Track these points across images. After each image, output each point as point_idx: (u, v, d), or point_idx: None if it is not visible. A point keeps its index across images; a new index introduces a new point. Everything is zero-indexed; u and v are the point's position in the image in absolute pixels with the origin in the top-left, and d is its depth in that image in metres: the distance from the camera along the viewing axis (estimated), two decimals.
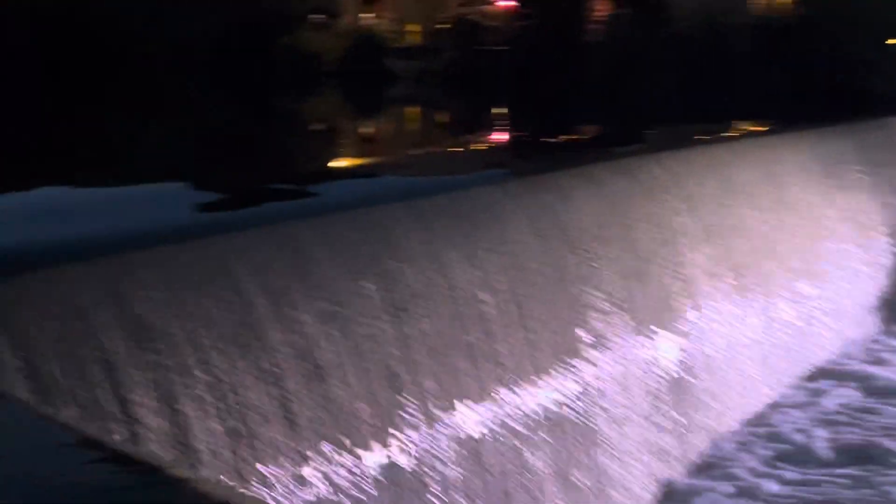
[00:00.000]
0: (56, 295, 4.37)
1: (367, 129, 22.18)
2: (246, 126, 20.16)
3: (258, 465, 4.62)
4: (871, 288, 14.19)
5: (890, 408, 10.51)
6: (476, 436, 6.09)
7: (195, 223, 5.91)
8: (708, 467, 8.98)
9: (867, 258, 14.39)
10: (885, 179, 15.66)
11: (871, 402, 10.66)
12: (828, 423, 10.12)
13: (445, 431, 5.79)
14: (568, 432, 7.14)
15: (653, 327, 8.98)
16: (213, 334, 4.61)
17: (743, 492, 8.45)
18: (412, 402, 5.51)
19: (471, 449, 6.00)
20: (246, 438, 4.57)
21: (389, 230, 5.99)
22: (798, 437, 9.56)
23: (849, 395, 10.90)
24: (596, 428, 7.55)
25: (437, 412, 5.77)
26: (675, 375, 9.24)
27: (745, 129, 16.47)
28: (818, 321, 12.61)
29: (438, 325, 5.99)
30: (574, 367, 7.26)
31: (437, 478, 5.76)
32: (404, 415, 5.52)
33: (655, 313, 9.08)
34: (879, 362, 12.23)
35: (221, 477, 4.31)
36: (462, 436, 5.95)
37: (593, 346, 7.80)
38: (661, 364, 8.97)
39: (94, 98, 27.09)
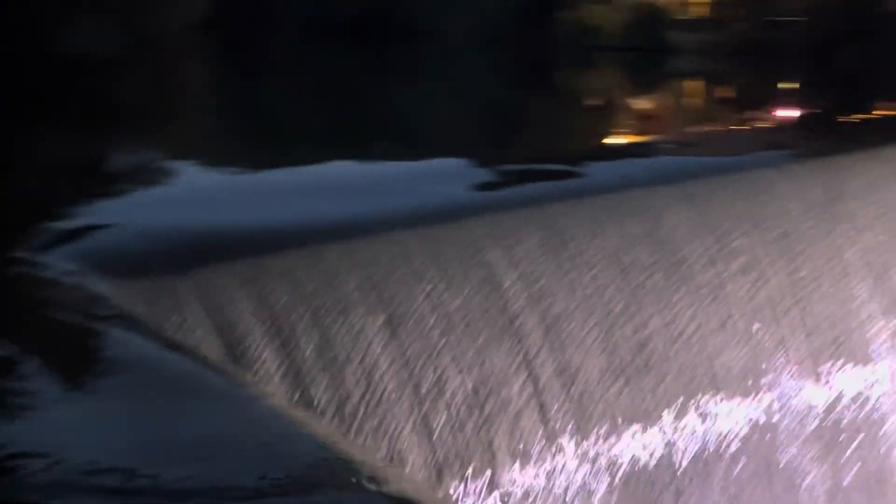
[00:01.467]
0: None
1: (645, 105, 21.63)
2: (526, 101, 20.26)
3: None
4: None
5: None
6: None
7: (461, 203, 5.95)
8: None
9: None
10: None
11: None
12: None
13: None
14: None
15: None
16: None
17: None
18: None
19: None
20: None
21: (653, 214, 5.80)
22: None
23: None
24: None
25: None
26: None
27: None
28: None
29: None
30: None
31: None
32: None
33: None
34: None
35: None
36: None
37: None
38: None
39: (383, 69, 28.25)
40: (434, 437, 4.43)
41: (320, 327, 4.28)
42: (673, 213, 5.92)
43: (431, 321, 4.55)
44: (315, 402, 4.11)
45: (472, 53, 34.02)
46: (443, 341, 4.55)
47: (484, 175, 8.05)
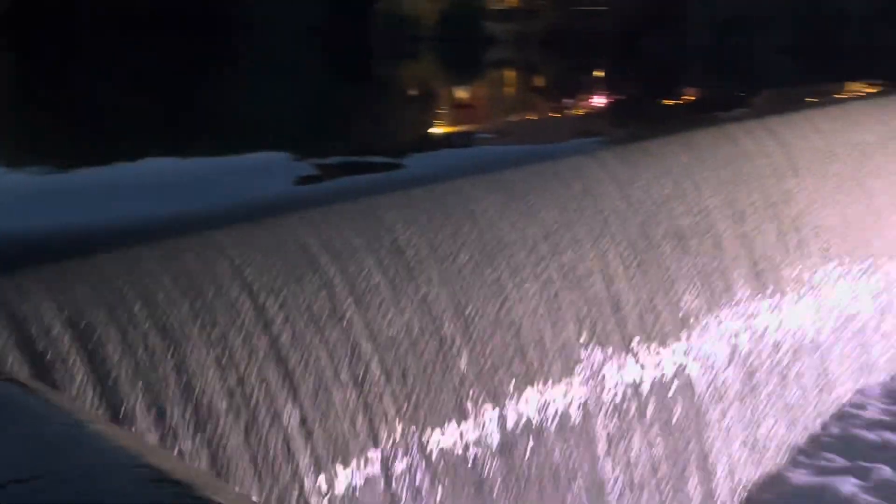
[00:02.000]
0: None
1: (463, 95, 21.97)
2: (343, 93, 20.19)
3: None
4: None
5: None
6: None
7: (279, 198, 5.85)
8: None
9: None
10: None
11: None
12: None
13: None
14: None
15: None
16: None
17: None
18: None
19: None
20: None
21: (469, 204, 5.83)
22: None
23: None
24: None
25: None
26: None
27: (857, 91, 15.78)
28: None
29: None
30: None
31: None
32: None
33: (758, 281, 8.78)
34: None
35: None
36: None
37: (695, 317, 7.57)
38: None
39: (194, 61, 27.55)
40: (259, 444, 4.34)
41: (134, 335, 4.09)
42: (489, 201, 6.02)
43: (250, 320, 4.45)
44: (132, 415, 3.94)
45: (286, 45, 33.72)
46: (264, 340, 4.45)
47: (302, 169, 7.98)
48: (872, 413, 9.51)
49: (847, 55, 26.85)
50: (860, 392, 9.97)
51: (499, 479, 5.45)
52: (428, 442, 5.07)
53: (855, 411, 9.52)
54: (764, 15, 32.51)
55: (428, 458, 5.07)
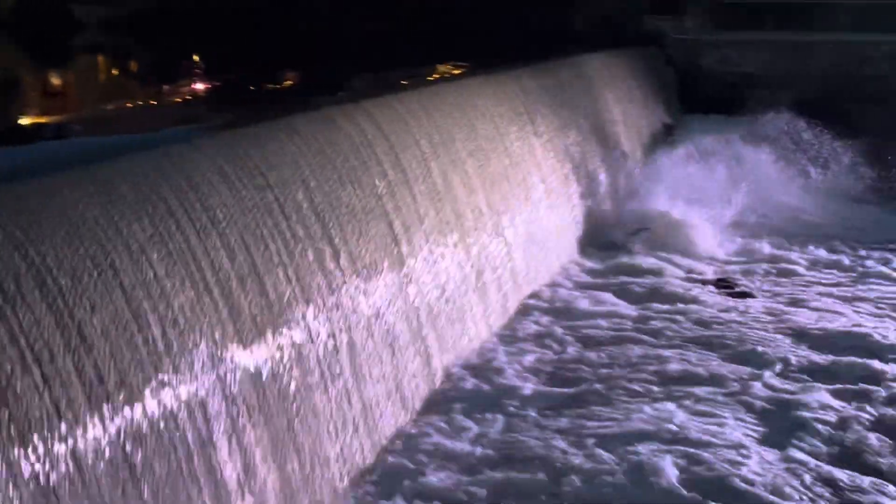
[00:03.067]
0: None
1: (54, 82, 20.77)
2: None
3: None
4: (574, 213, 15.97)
5: None
6: None
7: None
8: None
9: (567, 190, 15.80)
10: (579, 114, 17.03)
11: None
12: None
13: None
14: None
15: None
16: None
17: None
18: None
19: None
20: None
21: (59, 202, 5.52)
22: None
23: None
24: None
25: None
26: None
27: (445, 72, 17.05)
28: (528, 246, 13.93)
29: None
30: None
31: None
32: None
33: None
34: None
35: None
36: None
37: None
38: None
39: None
40: None
41: None
42: (86, 196, 5.74)
43: None
44: None
45: None
46: None
47: None
48: None
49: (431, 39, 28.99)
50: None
51: None
52: None
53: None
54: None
55: None
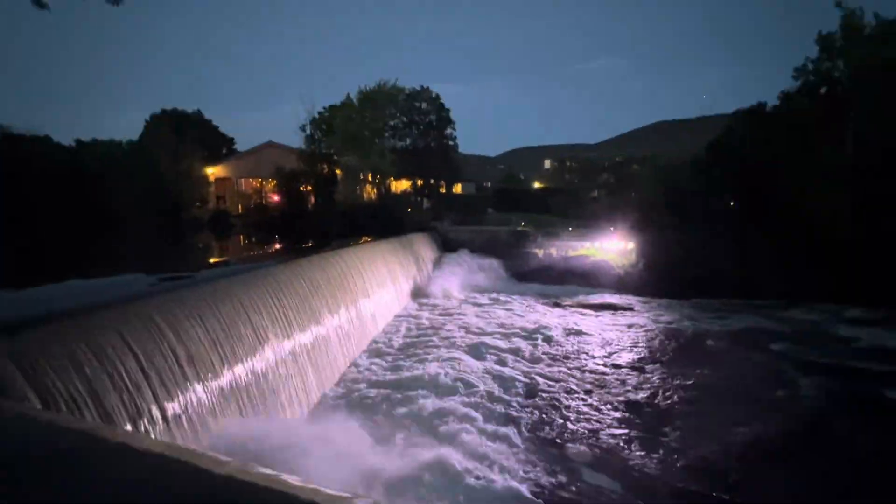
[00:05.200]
0: None
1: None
2: None
3: None
4: (408, 286, 38.38)
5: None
6: None
7: None
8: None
9: (406, 280, 38.02)
10: (410, 259, 41.50)
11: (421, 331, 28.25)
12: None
13: None
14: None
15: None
16: None
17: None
18: None
19: None
20: None
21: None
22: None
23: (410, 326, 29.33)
24: None
25: None
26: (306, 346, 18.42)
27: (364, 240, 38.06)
28: (372, 315, 27.08)
29: None
30: None
31: None
32: None
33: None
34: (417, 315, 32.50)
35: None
36: None
37: None
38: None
39: None
40: None
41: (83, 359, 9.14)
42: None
43: None
44: None
45: None
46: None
47: None
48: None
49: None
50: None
51: None
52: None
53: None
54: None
55: None
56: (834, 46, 41.32)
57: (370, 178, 59.33)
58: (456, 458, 13.44)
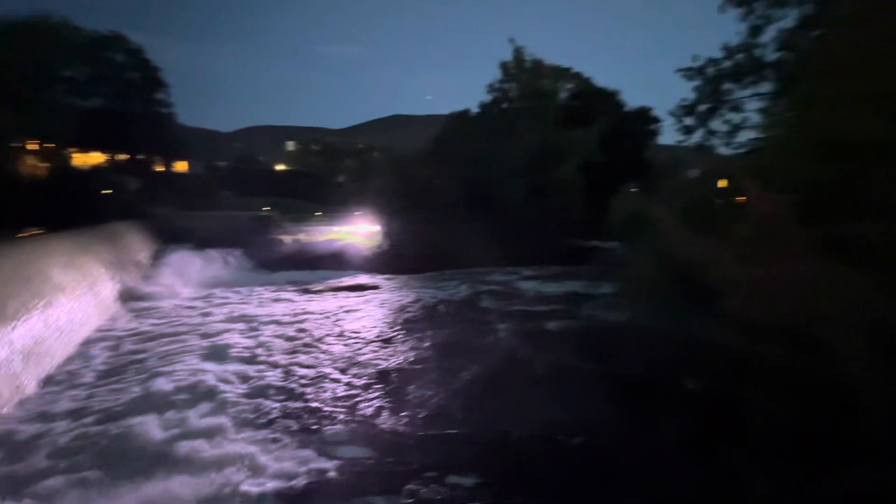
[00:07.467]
0: None
1: None
2: None
3: None
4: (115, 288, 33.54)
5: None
6: None
7: None
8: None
9: (103, 286, 32.97)
10: (115, 255, 35.62)
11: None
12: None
13: None
14: None
15: None
16: None
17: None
18: None
19: None
20: None
21: None
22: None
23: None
24: None
25: None
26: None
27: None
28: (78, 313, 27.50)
29: None
30: None
31: None
32: None
33: None
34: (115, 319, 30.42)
35: None
36: None
37: None
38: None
39: None
40: None
41: None
42: None
43: None
44: None
45: None
46: None
47: None
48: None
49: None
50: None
51: None
52: None
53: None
54: None
55: None
56: (509, 72, 57.67)
57: (35, 147, 46.03)
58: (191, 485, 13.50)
